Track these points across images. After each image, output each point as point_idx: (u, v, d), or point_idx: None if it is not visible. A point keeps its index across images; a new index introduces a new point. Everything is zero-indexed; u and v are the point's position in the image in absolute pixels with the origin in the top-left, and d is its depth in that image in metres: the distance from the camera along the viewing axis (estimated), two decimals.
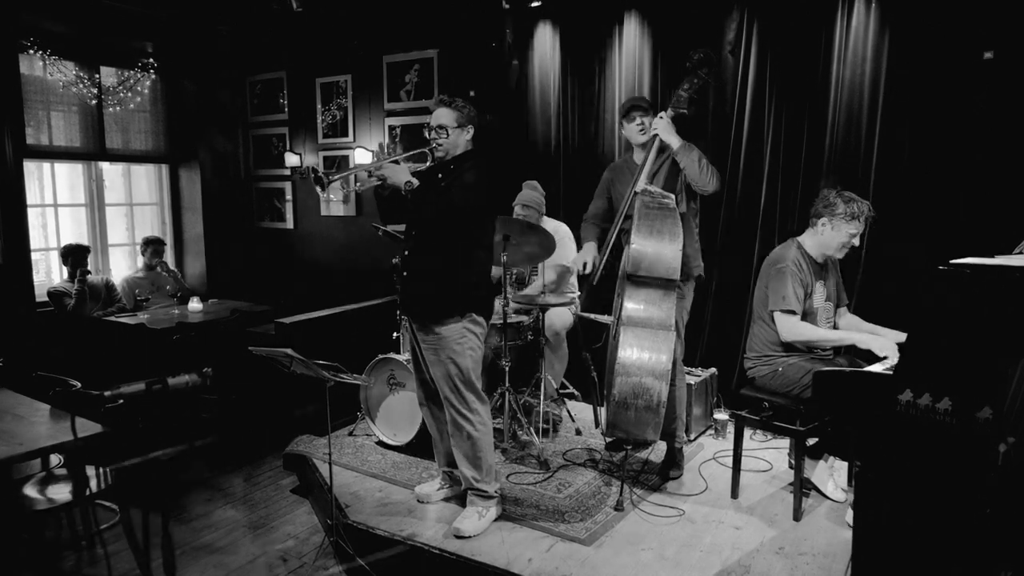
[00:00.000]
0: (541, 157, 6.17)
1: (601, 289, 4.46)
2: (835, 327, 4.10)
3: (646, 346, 3.64)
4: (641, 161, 4.13)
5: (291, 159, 7.69)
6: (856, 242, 3.90)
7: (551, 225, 5.09)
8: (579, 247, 4.65)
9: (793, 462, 4.04)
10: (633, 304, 3.76)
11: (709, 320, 5.51)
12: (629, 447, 4.39)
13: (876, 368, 3.04)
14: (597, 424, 4.72)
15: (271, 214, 8.18)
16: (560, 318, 5.09)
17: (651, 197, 3.94)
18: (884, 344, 3.57)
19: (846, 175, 4.89)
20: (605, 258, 4.18)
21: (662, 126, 4.00)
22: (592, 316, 4.41)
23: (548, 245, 4.62)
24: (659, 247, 3.76)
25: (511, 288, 5.01)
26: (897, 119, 4.74)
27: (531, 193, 5.22)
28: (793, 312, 3.83)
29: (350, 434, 4.98)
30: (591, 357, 4.63)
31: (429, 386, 3.78)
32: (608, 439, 4.71)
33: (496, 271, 5.19)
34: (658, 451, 4.59)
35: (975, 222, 4.47)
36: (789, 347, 3.93)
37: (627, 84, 5.75)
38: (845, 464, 4.05)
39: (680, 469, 4.34)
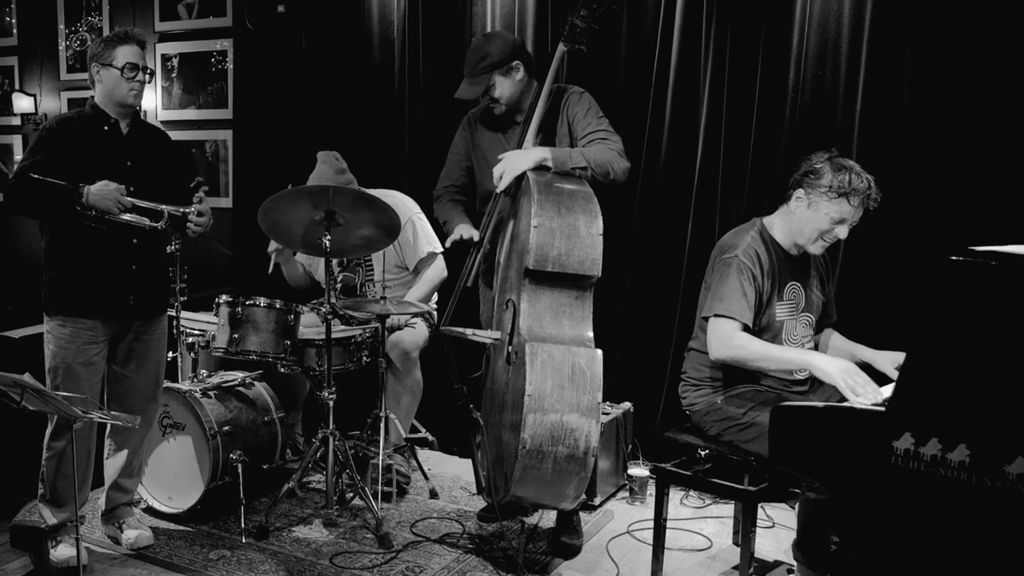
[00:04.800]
0: (380, 99, 6.11)
1: (465, 295, 4.30)
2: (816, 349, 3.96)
3: (564, 370, 3.60)
4: (521, 117, 4.16)
5: (22, 102, 7.52)
6: (841, 233, 3.63)
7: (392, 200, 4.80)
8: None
9: (740, 537, 3.92)
10: (537, 312, 3.74)
11: (620, 333, 5.38)
12: (524, 519, 4.42)
13: (862, 402, 2.99)
14: (480, 487, 4.43)
15: None
16: (410, 334, 4.96)
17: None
18: (852, 382, 3.27)
19: (816, 130, 4.74)
20: (482, 251, 4.15)
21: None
22: (468, 332, 4.14)
23: (389, 224, 4.34)
24: (573, 230, 3.73)
25: (335, 292, 5.04)
26: (893, 43, 4.58)
27: (327, 171, 5.00)
28: (732, 319, 3.60)
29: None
30: (467, 391, 4.36)
31: None
32: (487, 501, 4.53)
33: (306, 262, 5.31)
34: (545, 517, 4.54)
35: (997, 198, 4.33)
36: (738, 370, 3.73)
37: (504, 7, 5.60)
38: None
39: (579, 535, 4.30)
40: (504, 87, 4.09)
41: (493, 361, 4.17)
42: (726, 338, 3.60)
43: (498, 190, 4.00)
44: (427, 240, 4.99)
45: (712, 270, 3.79)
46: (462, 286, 4.15)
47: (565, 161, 3.91)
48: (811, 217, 3.62)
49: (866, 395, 3.14)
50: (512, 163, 3.92)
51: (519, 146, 4.03)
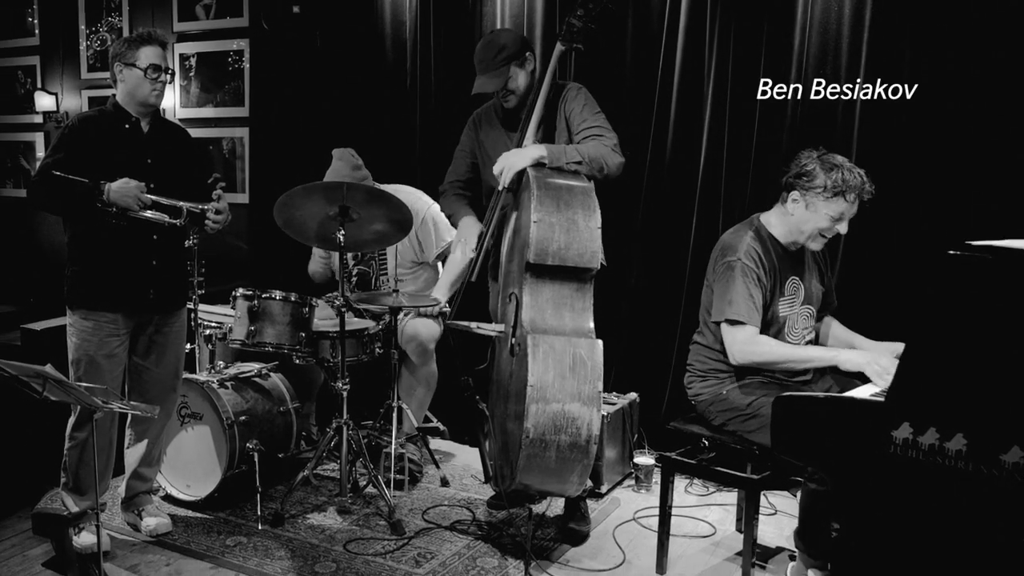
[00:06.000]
0: (390, 96, 6.10)
1: (471, 289, 4.26)
2: (816, 340, 3.95)
3: (566, 361, 3.59)
4: (523, 114, 4.13)
5: (44, 100, 7.52)
6: (842, 228, 3.63)
7: (408, 196, 4.79)
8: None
9: (743, 524, 3.90)
10: (539, 305, 3.74)
11: (626, 326, 5.36)
12: (532, 506, 4.42)
13: (861, 393, 2.97)
14: (488, 476, 4.42)
15: (15, 178, 8.01)
16: (427, 327, 4.94)
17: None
18: (879, 367, 3.29)
19: (817, 128, 4.70)
20: (486, 245, 4.14)
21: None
22: (473, 326, 4.13)
23: (402, 219, 4.32)
24: (571, 224, 3.73)
25: (350, 286, 5.06)
26: (892, 43, 4.52)
27: (343, 168, 4.99)
28: (743, 323, 3.60)
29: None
30: (473, 382, 4.35)
31: None
32: (494, 490, 4.52)
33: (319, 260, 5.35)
34: (553, 505, 4.53)
35: (995, 194, 4.31)
36: (740, 369, 3.73)
37: (513, 8, 5.56)
38: None
39: (587, 522, 4.29)
40: (520, 79, 4.08)
41: (498, 353, 4.16)
42: (748, 344, 3.58)
43: (499, 188, 4.00)
44: (449, 231, 4.97)
45: (714, 270, 3.78)
46: (466, 281, 4.14)
47: (560, 157, 3.89)
48: (809, 217, 3.61)
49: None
50: (510, 161, 3.91)
51: (520, 143, 4.03)
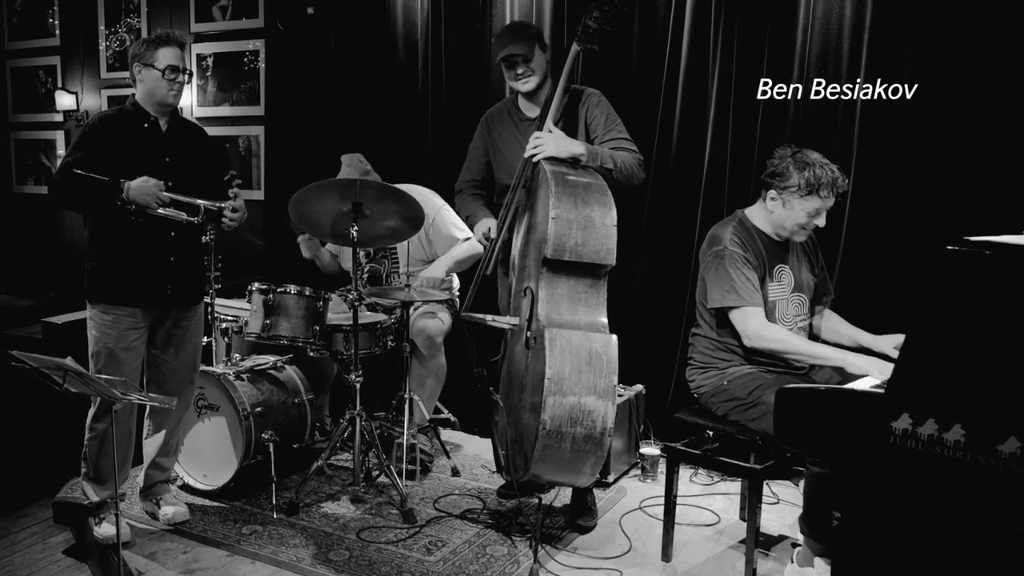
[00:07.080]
0: (401, 96, 6.09)
1: (484, 283, 4.27)
2: (810, 330, 3.93)
3: (582, 355, 3.60)
4: (538, 112, 4.14)
5: (64, 99, 7.56)
6: (819, 222, 3.66)
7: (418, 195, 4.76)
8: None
9: (746, 512, 3.89)
10: (554, 299, 3.75)
11: (632, 321, 5.34)
12: (541, 496, 4.42)
13: (861, 385, 2.96)
14: (500, 465, 4.42)
15: (36, 175, 8.03)
16: (436, 320, 4.97)
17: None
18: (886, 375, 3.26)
19: (818, 126, 4.70)
20: (500, 241, 4.14)
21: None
22: (488, 319, 4.12)
23: (414, 216, 4.32)
24: (588, 222, 3.73)
25: (362, 282, 5.05)
26: (892, 42, 4.50)
27: (352, 173, 5.00)
28: (753, 305, 3.62)
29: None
30: (487, 374, 4.34)
31: None
32: (505, 479, 4.51)
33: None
34: (561, 494, 4.51)
35: (994, 192, 4.29)
36: (749, 352, 3.72)
37: (522, 10, 5.55)
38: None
39: (593, 516, 4.26)
40: (539, 61, 4.10)
41: (511, 346, 4.16)
42: (762, 329, 3.59)
43: (525, 155, 3.97)
44: (458, 229, 4.97)
45: (703, 263, 3.80)
46: (481, 274, 4.13)
47: (596, 159, 3.92)
48: (788, 215, 3.64)
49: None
50: (548, 145, 3.90)
51: (539, 128, 4.01)
